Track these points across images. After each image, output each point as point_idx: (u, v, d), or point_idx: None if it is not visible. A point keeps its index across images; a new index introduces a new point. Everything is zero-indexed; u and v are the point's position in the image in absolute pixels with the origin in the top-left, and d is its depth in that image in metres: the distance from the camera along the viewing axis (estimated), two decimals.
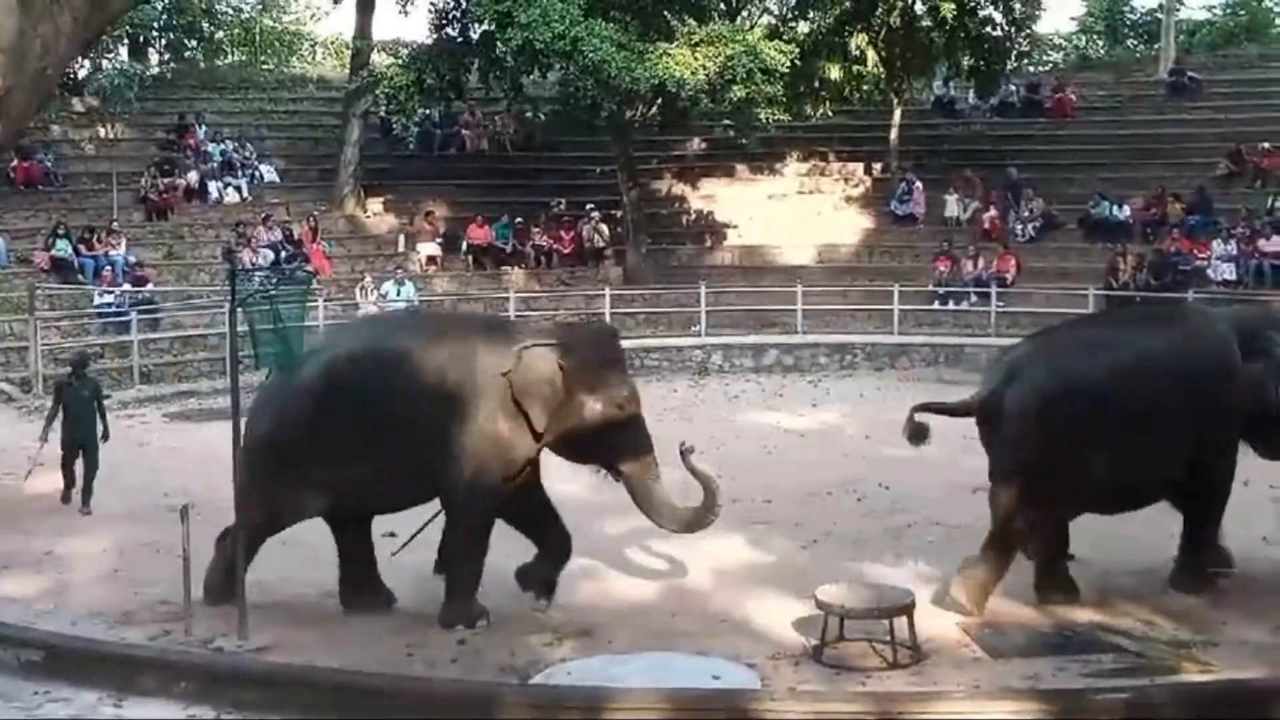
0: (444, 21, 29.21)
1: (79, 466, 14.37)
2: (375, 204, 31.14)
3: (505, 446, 10.24)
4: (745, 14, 31.87)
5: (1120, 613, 10.22)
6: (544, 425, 10.21)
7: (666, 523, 10.73)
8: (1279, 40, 41.33)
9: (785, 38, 28.56)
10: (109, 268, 25.02)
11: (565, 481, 15.26)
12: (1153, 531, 12.29)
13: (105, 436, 14.70)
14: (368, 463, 10.10)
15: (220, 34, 40.42)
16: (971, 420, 10.82)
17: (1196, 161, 29.77)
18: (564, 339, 10.65)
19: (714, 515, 10.55)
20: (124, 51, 36.15)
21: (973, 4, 29.94)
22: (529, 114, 31.98)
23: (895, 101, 31.69)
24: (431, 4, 29.42)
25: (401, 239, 29.91)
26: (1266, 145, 28.81)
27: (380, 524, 13.41)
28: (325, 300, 25.15)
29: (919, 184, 30.74)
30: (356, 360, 10.50)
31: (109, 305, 24.48)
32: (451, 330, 11.06)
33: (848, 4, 29.59)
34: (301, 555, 11.85)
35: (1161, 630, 9.84)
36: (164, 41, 38.29)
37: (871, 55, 30.01)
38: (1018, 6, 30.87)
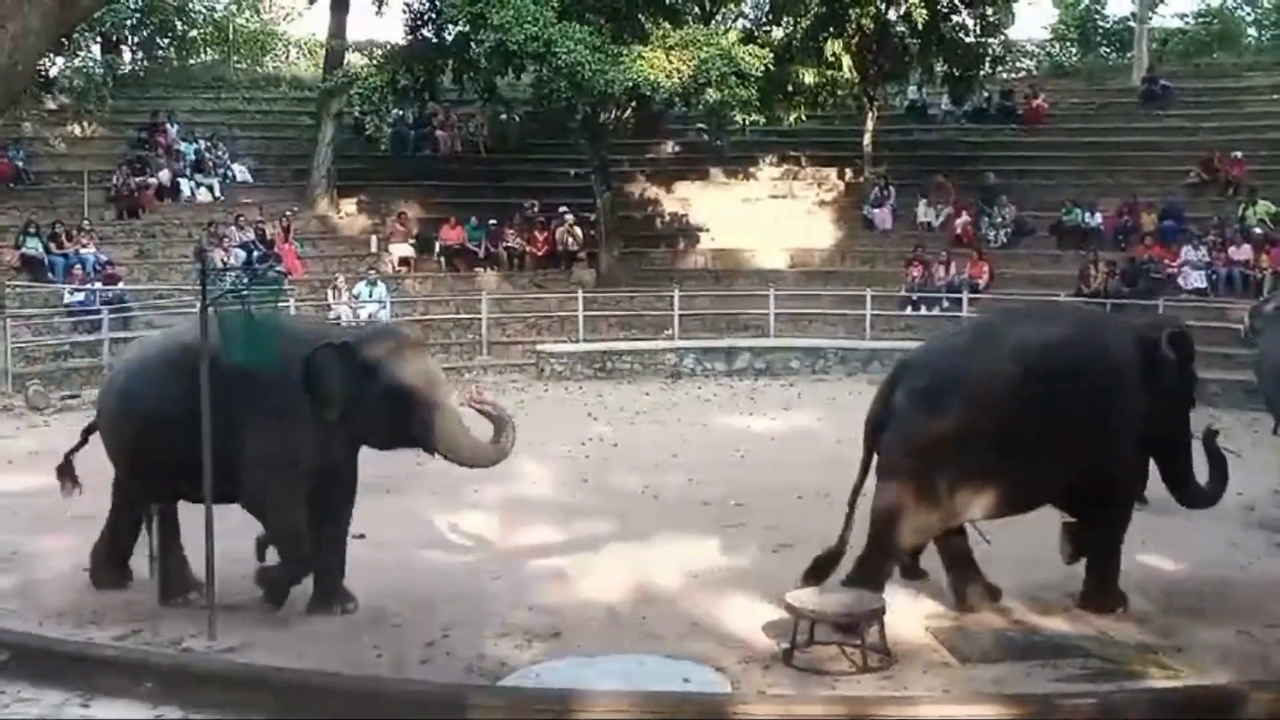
0: (418, 22, 29.19)
1: None
2: (348, 205, 31.08)
3: None
4: (720, 18, 31.95)
5: (1086, 618, 10.26)
6: None
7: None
8: (1251, 49, 41.71)
9: (760, 42, 28.65)
10: (79, 266, 24.94)
11: (535, 485, 15.31)
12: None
13: None
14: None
15: (194, 32, 40.29)
16: None
17: (1168, 169, 30.00)
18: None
19: None
20: (96, 49, 35.99)
21: (946, 9, 30.12)
22: (503, 116, 31.97)
23: (869, 107, 31.80)
24: (406, 5, 29.39)
25: (374, 240, 29.83)
26: (1238, 154, 29.02)
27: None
28: (297, 301, 25.10)
29: (892, 189, 30.90)
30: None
31: (80, 304, 24.37)
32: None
33: (822, 9, 29.69)
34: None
35: (1128, 635, 9.88)
36: (136, 39, 38.15)
37: (846, 61, 30.08)
38: (989, 11, 31.05)
